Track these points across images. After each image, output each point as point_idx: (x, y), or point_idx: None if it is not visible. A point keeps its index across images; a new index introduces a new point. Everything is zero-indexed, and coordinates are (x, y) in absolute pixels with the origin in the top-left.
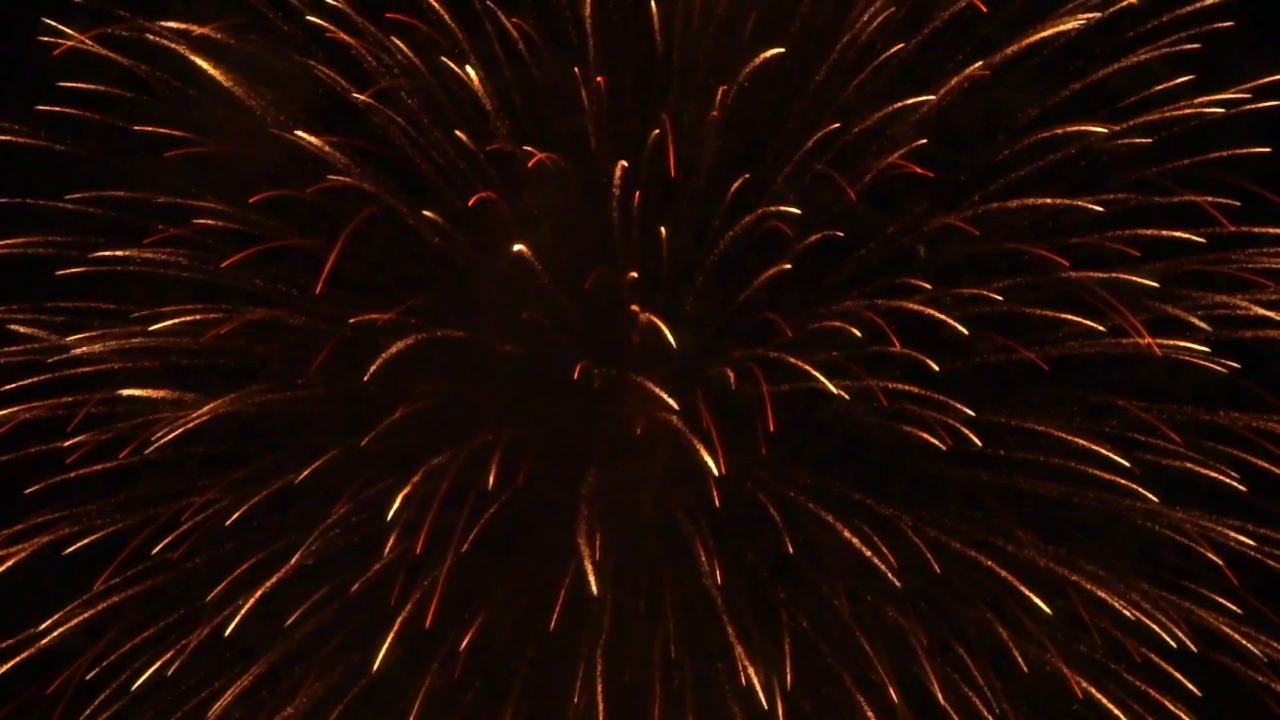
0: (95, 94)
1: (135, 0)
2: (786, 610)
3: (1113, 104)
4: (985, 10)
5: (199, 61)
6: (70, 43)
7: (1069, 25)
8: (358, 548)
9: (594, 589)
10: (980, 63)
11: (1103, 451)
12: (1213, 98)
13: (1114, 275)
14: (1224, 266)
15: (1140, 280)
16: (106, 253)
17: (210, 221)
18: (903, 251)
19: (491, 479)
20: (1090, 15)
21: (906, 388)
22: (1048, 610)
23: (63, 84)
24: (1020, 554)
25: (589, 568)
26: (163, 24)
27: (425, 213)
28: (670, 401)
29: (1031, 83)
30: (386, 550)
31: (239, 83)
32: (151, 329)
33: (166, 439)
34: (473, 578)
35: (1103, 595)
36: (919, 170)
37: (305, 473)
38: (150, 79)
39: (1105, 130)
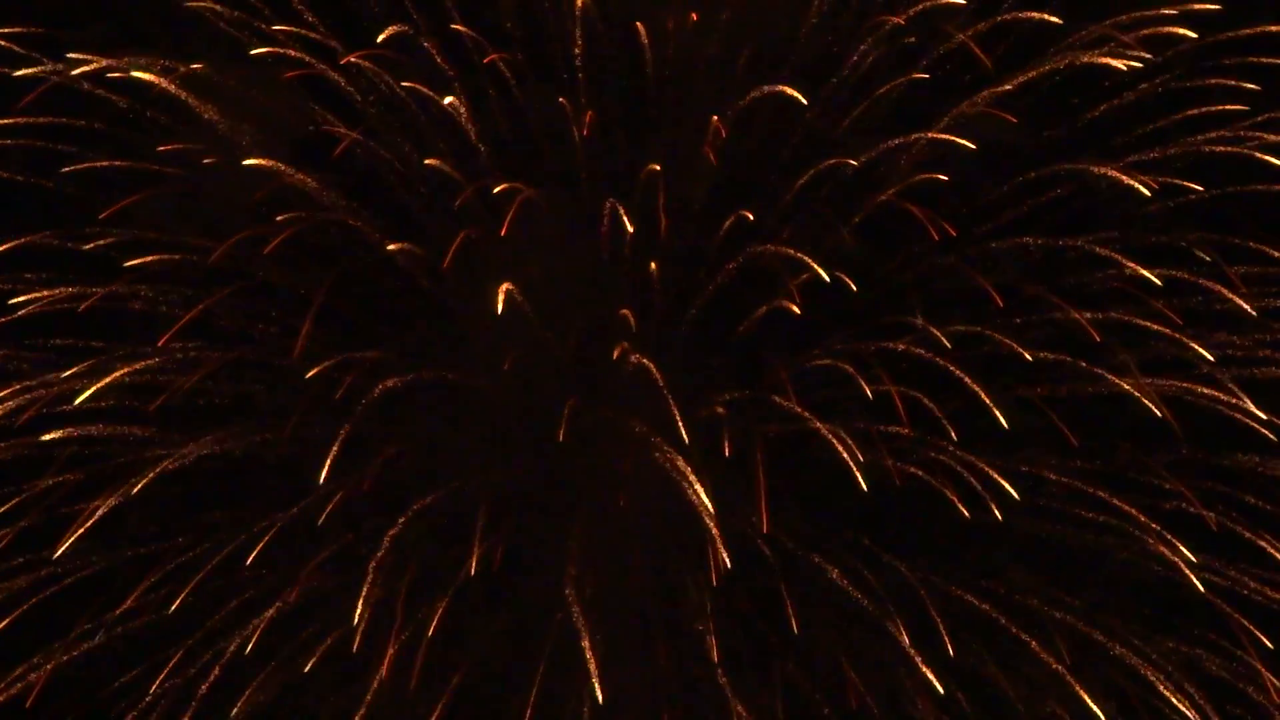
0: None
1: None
2: (778, 653)
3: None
4: (993, 70)
5: (183, 96)
6: (52, 80)
7: (1118, 64)
8: (345, 588)
9: (599, 696)
10: (1007, 87)
11: (1112, 500)
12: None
13: (1119, 315)
14: (1225, 305)
15: (1172, 331)
16: (81, 289)
17: (158, 256)
18: (898, 290)
19: (475, 560)
20: (1144, 55)
21: (903, 431)
22: (1044, 654)
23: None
24: (1014, 597)
25: (586, 646)
26: (145, 59)
27: (390, 246)
28: (665, 445)
29: (1039, 117)
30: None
31: (223, 118)
32: (135, 367)
33: (141, 483)
34: (459, 623)
35: (1101, 639)
36: (920, 215)
37: (264, 542)
38: (135, 114)
39: (1147, 192)
